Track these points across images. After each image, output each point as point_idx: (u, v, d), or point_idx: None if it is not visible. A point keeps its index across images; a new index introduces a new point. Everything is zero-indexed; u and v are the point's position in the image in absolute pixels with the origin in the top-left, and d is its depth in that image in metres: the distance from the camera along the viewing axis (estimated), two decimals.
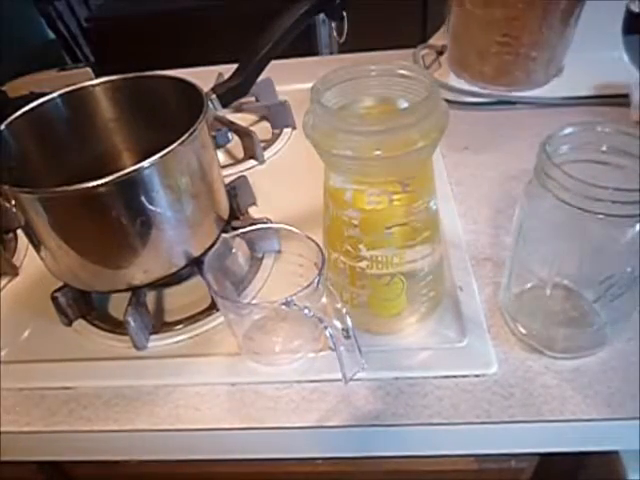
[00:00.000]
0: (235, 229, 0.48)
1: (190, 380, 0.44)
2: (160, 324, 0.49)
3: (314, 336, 0.44)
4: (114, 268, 0.46)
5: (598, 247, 0.37)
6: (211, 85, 0.52)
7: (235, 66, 0.59)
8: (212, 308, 0.49)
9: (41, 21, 1.19)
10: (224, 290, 0.45)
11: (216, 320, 0.48)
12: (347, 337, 0.38)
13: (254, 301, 0.50)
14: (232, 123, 0.70)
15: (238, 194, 0.58)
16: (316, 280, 0.39)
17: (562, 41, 0.44)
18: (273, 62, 0.60)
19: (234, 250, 0.47)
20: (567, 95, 0.67)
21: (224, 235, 0.46)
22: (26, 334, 0.50)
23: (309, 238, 0.42)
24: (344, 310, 0.39)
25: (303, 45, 1.06)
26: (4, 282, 0.56)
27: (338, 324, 0.38)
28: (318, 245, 0.41)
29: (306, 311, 0.38)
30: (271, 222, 0.53)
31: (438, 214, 0.43)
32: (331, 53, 1.14)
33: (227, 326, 0.46)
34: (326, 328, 0.38)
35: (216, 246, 0.44)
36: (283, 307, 0.38)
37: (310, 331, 0.44)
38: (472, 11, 0.42)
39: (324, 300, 0.40)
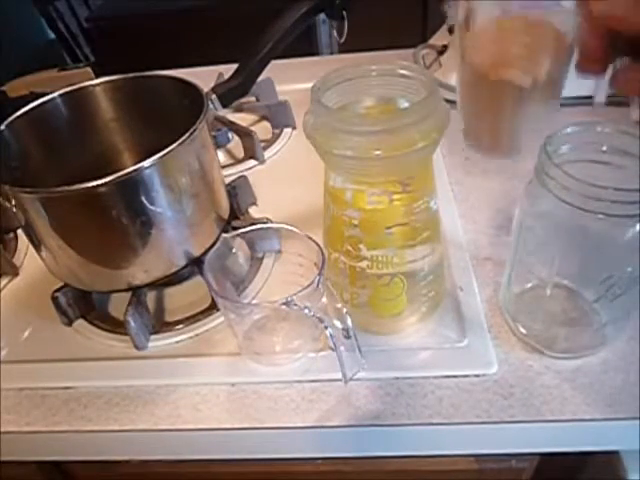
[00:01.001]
0: (235, 229, 0.48)
1: (190, 380, 0.44)
2: (160, 324, 0.49)
3: (314, 336, 0.44)
4: (114, 268, 0.46)
5: (598, 247, 0.37)
6: (211, 85, 0.52)
7: (235, 66, 0.60)
8: (212, 308, 0.49)
9: (41, 21, 1.19)
10: (224, 290, 0.45)
11: (216, 320, 0.48)
12: (347, 337, 0.38)
13: (254, 301, 0.50)
14: (232, 123, 0.70)
15: (238, 194, 0.58)
16: (316, 280, 0.39)
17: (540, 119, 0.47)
18: (273, 62, 0.60)
19: (234, 250, 0.47)
20: (567, 95, 0.67)
21: (224, 235, 0.46)
22: (26, 334, 0.50)
23: (309, 238, 0.42)
24: (344, 310, 0.39)
25: (303, 45, 1.06)
26: (4, 282, 0.56)
27: (338, 324, 0.38)
28: (318, 245, 0.41)
29: (306, 311, 0.38)
30: (271, 222, 0.53)
31: (438, 214, 0.43)
32: (331, 53, 1.14)
33: (227, 326, 0.46)
34: (326, 328, 0.38)
35: (216, 246, 0.44)
36: (283, 307, 0.38)
37: (310, 331, 0.44)
38: (468, 89, 0.46)
39: (324, 300, 0.40)
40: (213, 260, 0.43)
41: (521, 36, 0.41)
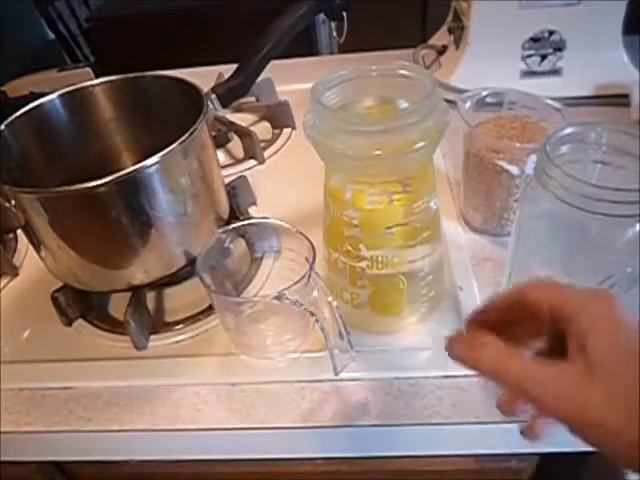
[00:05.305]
0: (235, 229, 0.48)
1: (190, 380, 0.44)
2: (160, 324, 0.49)
3: (306, 330, 0.44)
4: (114, 268, 0.46)
5: (598, 247, 0.37)
6: (211, 85, 0.52)
7: (235, 66, 0.60)
8: (212, 308, 0.48)
9: (41, 21, 1.19)
10: (222, 289, 0.45)
11: (216, 320, 0.48)
12: (340, 336, 0.38)
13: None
14: (232, 123, 0.70)
15: (238, 194, 0.58)
16: (307, 274, 0.39)
17: None
18: (273, 62, 0.60)
19: (233, 250, 0.47)
20: (567, 95, 0.67)
21: (218, 231, 0.46)
22: (26, 334, 0.50)
23: (300, 233, 0.42)
24: (335, 304, 0.39)
25: (303, 45, 1.06)
26: (4, 282, 0.56)
27: (329, 317, 0.38)
28: (308, 239, 0.41)
29: (297, 304, 0.38)
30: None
31: (438, 214, 0.43)
32: (331, 53, 1.14)
33: (220, 322, 0.46)
34: (317, 322, 0.38)
35: (211, 244, 0.44)
36: (275, 301, 0.38)
37: (301, 324, 0.44)
38: (469, 172, 0.52)
39: (315, 294, 0.40)
40: (205, 258, 0.43)
41: (512, 130, 0.49)
